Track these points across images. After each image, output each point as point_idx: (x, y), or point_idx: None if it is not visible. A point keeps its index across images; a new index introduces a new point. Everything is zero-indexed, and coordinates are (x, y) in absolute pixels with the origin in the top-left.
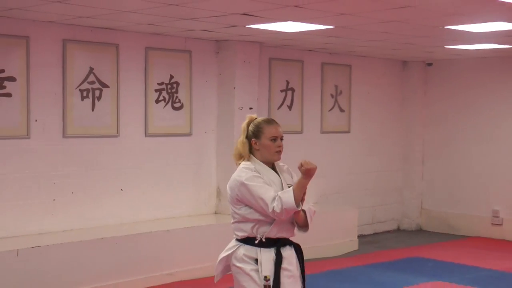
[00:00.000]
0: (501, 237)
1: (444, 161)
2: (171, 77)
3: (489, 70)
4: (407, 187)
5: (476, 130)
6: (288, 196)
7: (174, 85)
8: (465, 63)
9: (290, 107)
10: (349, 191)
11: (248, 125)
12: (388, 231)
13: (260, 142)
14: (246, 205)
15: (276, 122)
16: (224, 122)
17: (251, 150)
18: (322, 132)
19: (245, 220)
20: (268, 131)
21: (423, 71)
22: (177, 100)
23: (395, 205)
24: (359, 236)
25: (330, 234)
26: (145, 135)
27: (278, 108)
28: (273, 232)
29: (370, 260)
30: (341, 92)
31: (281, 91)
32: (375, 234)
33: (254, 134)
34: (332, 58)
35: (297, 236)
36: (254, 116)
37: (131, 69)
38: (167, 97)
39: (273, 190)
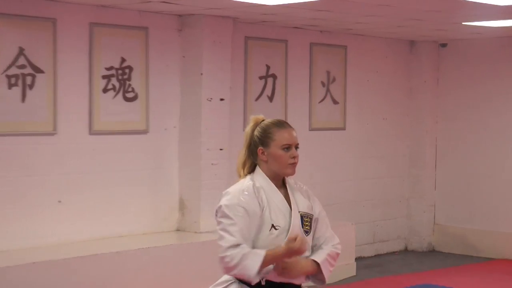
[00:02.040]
0: None
1: (462, 165)
2: (123, 60)
3: None
4: (416, 198)
5: (502, 127)
6: (252, 261)
7: (126, 71)
8: (487, 43)
9: (271, 98)
10: (344, 202)
11: (253, 129)
12: (393, 252)
13: (269, 152)
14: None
15: (290, 125)
16: (189, 117)
17: (256, 161)
18: (311, 129)
19: None
20: (280, 137)
21: (435, 53)
22: (130, 89)
23: (401, 219)
24: (357, 259)
25: None
26: (90, 133)
27: (256, 99)
28: (275, 274)
29: None
30: (334, 80)
31: (260, 78)
32: (377, 256)
33: (261, 141)
34: (323, 37)
35: None
36: (261, 117)
37: (72, 50)
38: (117, 85)
39: (241, 233)
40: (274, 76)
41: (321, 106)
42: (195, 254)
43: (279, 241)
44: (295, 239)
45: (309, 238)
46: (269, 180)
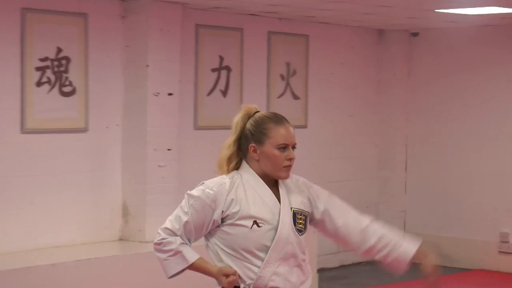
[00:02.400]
0: None
1: (435, 166)
2: (59, 50)
3: (495, 43)
4: (385, 202)
5: (479, 124)
6: (175, 263)
7: (63, 62)
8: (462, 33)
9: (224, 93)
10: None
11: (244, 121)
12: (360, 263)
13: (262, 150)
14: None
15: (288, 121)
16: (133, 114)
17: (245, 158)
18: None
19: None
20: (277, 135)
21: (406, 44)
22: (67, 83)
23: None
24: (320, 270)
25: None
26: (22, 132)
27: (209, 94)
28: (265, 279)
29: None
30: (294, 73)
31: (213, 70)
32: (342, 267)
33: (254, 137)
34: (283, 25)
35: None
36: (253, 107)
37: (0, 39)
38: (52, 78)
39: (187, 227)
40: (228, 69)
41: (280, 102)
42: (140, 266)
43: (266, 240)
44: (228, 275)
45: (302, 238)
46: (257, 176)
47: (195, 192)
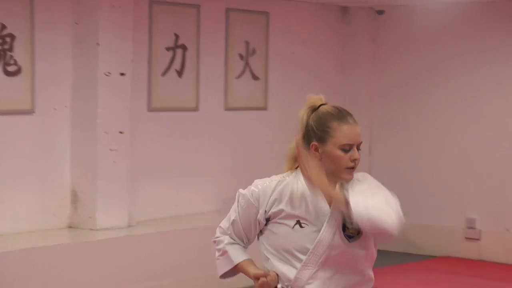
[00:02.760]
0: (479, 256)
1: (400, 150)
2: (3, 27)
3: (463, 21)
4: None
5: (446, 107)
6: (222, 263)
7: (7, 39)
8: (431, 10)
9: (180, 73)
10: None
11: (308, 115)
12: None
13: (325, 150)
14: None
15: (354, 119)
16: (83, 95)
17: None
18: (227, 109)
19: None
20: (341, 134)
21: (371, 22)
22: (11, 62)
23: None
24: None
25: None
26: None
27: (163, 75)
28: (302, 281)
29: None
30: (254, 52)
31: (168, 49)
32: None
33: (316, 135)
34: (242, 2)
35: None
36: (319, 98)
37: None
38: None
39: (235, 224)
40: (183, 47)
41: (239, 83)
42: (90, 255)
43: (307, 242)
44: (260, 277)
45: (356, 245)
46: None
47: (243, 190)
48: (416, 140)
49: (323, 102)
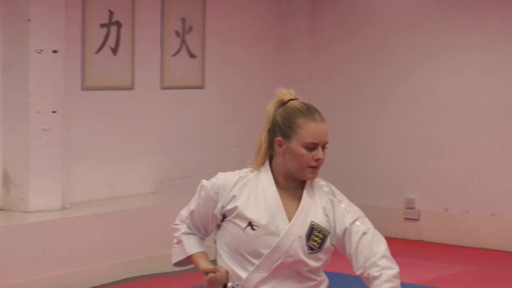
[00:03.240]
0: (418, 237)
1: (339, 130)
2: None
3: None
4: None
5: (386, 86)
6: (177, 251)
7: None
8: None
9: (114, 51)
10: (204, 174)
11: (276, 108)
12: None
13: (288, 146)
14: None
15: (322, 116)
16: (14, 73)
17: (272, 151)
18: (164, 88)
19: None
20: (306, 132)
21: None
22: None
23: None
24: None
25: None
26: None
27: (97, 52)
28: (252, 283)
29: None
30: (190, 29)
31: (102, 26)
32: None
33: (281, 130)
34: None
35: None
36: (288, 92)
37: None
38: None
39: (193, 215)
40: (118, 24)
41: (175, 60)
42: (23, 238)
43: (259, 246)
44: (208, 272)
45: (314, 256)
46: (271, 175)
47: (205, 182)
48: (354, 119)
49: (293, 97)
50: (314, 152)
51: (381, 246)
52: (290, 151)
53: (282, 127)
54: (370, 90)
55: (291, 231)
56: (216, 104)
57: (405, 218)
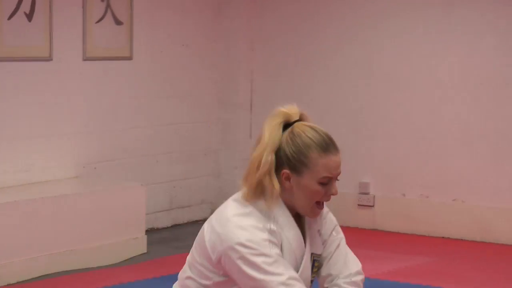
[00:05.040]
0: (373, 225)
1: (281, 105)
2: None
3: None
4: (227, 149)
5: (335, 54)
6: None
7: None
8: None
9: (29, 17)
10: (132, 156)
11: (280, 131)
12: (198, 221)
13: (300, 181)
14: (228, 275)
15: (336, 146)
16: None
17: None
18: (86, 59)
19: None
20: (322, 167)
21: None
22: None
23: (208, 179)
24: (150, 231)
25: (100, 228)
26: None
27: (10, 18)
28: None
29: (167, 269)
30: None
31: None
32: (176, 226)
33: (290, 163)
34: None
35: None
36: (294, 112)
37: None
38: None
39: (291, 267)
40: None
41: (99, 28)
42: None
43: None
44: None
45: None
46: (288, 211)
47: (252, 235)
48: (302, 94)
49: (300, 117)
50: (327, 187)
51: (356, 261)
52: (301, 187)
53: (291, 160)
54: (317, 60)
55: (304, 266)
56: (146, 78)
57: (359, 205)
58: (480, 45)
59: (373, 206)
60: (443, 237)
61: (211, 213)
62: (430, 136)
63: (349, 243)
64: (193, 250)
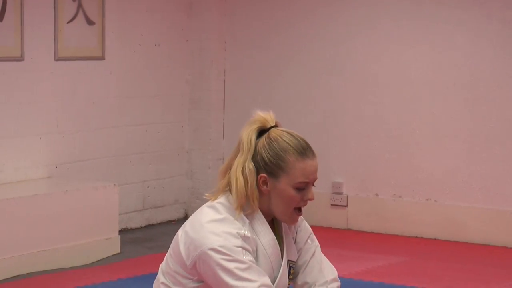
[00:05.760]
0: (346, 225)
1: (259, 106)
2: None
3: None
4: (199, 149)
5: (312, 55)
6: None
7: None
8: None
9: (1, 17)
10: (105, 156)
11: (256, 136)
12: (171, 221)
13: (277, 186)
14: (203, 281)
15: (313, 151)
16: None
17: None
18: (58, 59)
19: None
20: (298, 171)
21: None
22: None
23: (180, 178)
24: (123, 231)
25: (73, 228)
26: None
27: None
28: None
29: (140, 269)
30: None
31: None
32: (149, 226)
33: (268, 167)
34: None
35: None
36: (270, 118)
37: None
38: None
39: (265, 274)
40: None
41: (71, 28)
42: None
43: None
44: None
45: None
46: (263, 218)
47: (225, 241)
48: (277, 94)
49: (275, 123)
50: (303, 192)
51: (331, 268)
52: (277, 192)
53: (269, 164)
54: (294, 61)
55: (282, 272)
56: (118, 78)
57: (332, 205)
58: (452, 44)
59: (346, 206)
60: (416, 237)
61: (184, 213)
62: (402, 136)
63: (323, 243)
64: (167, 257)
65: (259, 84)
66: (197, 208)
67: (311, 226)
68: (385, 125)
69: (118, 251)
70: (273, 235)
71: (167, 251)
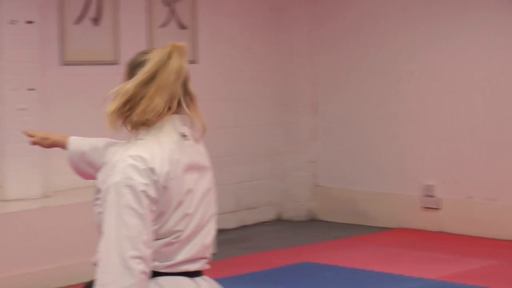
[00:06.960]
0: (438, 228)
1: (349, 109)
2: None
3: None
4: (291, 152)
5: (397, 58)
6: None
7: None
8: None
9: (96, 21)
10: None
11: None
12: (264, 223)
13: None
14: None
15: None
16: None
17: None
18: None
19: None
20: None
21: None
22: None
23: (272, 181)
24: (217, 232)
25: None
26: None
27: (77, 23)
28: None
29: (234, 269)
30: None
31: None
32: (242, 228)
33: None
34: None
35: None
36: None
37: None
38: None
39: (149, 228)
40: None
41: (164, 32)
42: (0, 228)
43: None
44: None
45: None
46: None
47: (131, 171)
48: (366, 97)
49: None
50: None
51: None
52: None
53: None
54: (381, 63)
55: None
56: (210, 81)
57: (424, 207)
58: None
59: (438, 209)
60: (509, 240)
61: (278, 215)
62: (494, 138)
63: (414, 246)
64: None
65: (348, 87)
66: (290, 210)
67: (401, 229)
68: (476, 128)
69: (215, 250)
70: None
71: (262, 251)
